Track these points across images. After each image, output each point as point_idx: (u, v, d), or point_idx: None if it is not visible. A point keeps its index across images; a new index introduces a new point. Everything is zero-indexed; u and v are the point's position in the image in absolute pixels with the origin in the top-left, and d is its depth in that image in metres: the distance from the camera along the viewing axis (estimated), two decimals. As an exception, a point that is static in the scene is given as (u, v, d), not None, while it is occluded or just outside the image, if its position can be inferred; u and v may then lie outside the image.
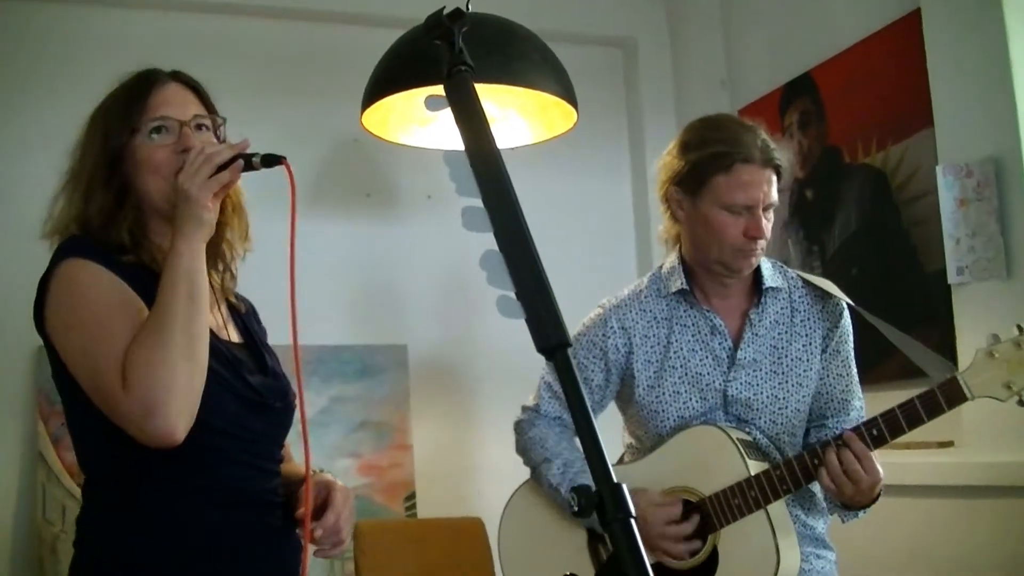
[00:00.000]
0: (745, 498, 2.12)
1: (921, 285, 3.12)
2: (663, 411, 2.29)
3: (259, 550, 1.76)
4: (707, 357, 2.27)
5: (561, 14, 4.14)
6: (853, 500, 2.10)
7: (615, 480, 0.99)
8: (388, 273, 3.98)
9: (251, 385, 1.78)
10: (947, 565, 2.90)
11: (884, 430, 2.05)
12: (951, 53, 3.01)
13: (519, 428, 2.46)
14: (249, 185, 1.90)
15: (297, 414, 1.83)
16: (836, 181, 3.51)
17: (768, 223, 2.20)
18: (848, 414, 2.28)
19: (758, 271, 2.29)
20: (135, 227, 1.77)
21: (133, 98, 1.79)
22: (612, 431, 2.68)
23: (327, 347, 3.81)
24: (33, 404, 3.44)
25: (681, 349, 2.29)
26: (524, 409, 2.48)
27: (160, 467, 1.68)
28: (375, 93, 2.52)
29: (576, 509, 0.98)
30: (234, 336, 1.88)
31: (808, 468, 2.11)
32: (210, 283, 1.84)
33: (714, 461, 2.17)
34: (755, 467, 2.14)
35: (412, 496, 3.85)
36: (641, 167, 4.37)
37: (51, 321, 1.71)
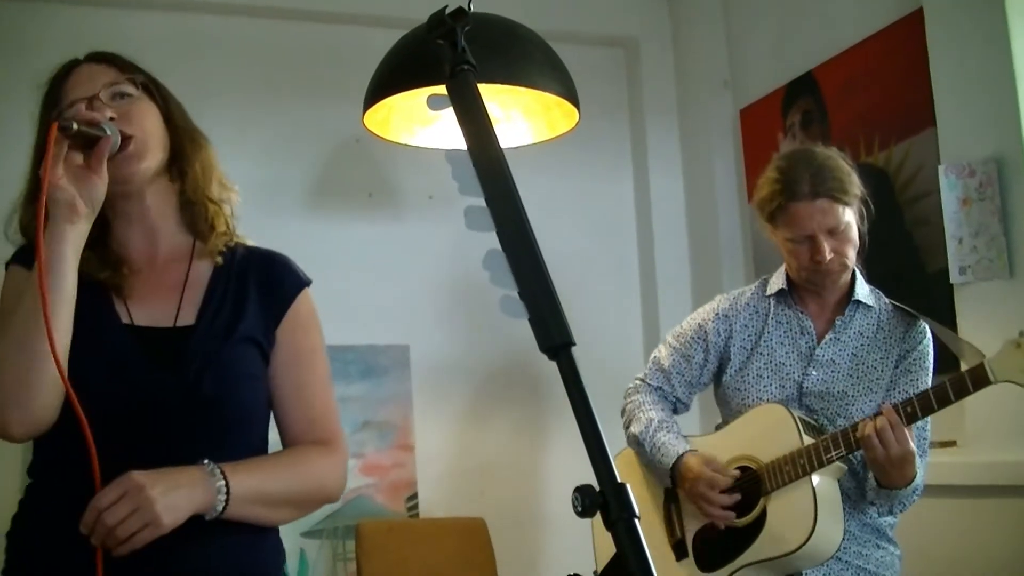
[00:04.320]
0: (794, 465, 2.36)
1: (924, 285, 3.12)
2: (745, 391, 2.56)
3: (129, 563, 1.54)
4: (792, 351, 2.54)
5: (564, 14, 4.14)
6: (885, 472, 2.26)
7: (619, 480, 0.99)
8: (390, 273, 3.97)
9: (134, 383, 1.63)
10: (949, 564, 2.90)
11: (917, 407, 2.23)
12: (953, 52, 3.01)
13: (625, 395, 2.74)
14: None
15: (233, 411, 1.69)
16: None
17: (843, 242, 2.41)
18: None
19: (852, 286, 2.51)
20: None
21: (50, 94, 1.77)
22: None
23: (329, 347, 3.78)
24: (35, 404, 3.43)
25: (770, 341, 2.56)
26: (634, 380, 2.75)
27: (39, 472, 1.71)
28: (377, 93, 2.52)
29: (580, 510, 0.98)
30: (186, 318, 1.73)
31: (849, 438, 2.30)
32: (187, 260, 1.78)
33: (775, 434, 2.43)
34: (808, 441, 2.37)
35: (414, 496, 3.85)
36: (643, 166, 4.38)
37: None
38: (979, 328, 2.79)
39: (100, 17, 3.73)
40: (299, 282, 1.87)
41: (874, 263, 3.05)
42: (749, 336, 2.60)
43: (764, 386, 2.54)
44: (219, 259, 1.79)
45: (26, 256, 1.69)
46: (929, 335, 2.48)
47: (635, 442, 2.62)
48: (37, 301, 1.52)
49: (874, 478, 2.34)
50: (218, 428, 1.69)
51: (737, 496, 2.43)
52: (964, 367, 2.24)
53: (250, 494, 1.64)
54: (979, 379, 2.15)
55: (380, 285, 3.93)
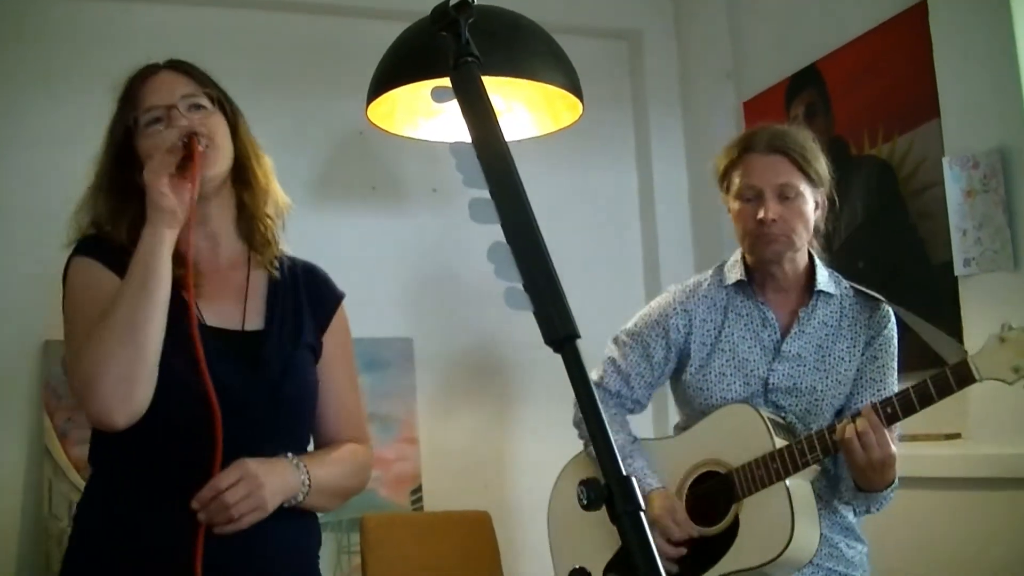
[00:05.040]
0: (768, 470, 2.25)
1: (928, 277, 3.11)
2: (707, 390, 2.43)
3: (192, 553, 1.65)
4: (755, 346, 2.42)
5: (567, 6, 4.13)
6: (865, 476, 2.17)
7: (624, 473, 0.99)
8: (394, 266, 3.97)
9: (218, 381, 1.70)
10: (954, 557, 2.89)
11: (897, 408, 2.13)
12: (957, 44, 3.00)
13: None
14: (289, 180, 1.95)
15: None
16: (842, 173, 3.44)
17: (792, 212, 2.33)
18: None
19: (812, 275, 2.40)
20: (140, 223, 1.76)
21: (127, 96, 1.84)
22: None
23: (333, 341, 3.80)
24: (39, 399, 3.43)
25: (732, 335, 2.44)
26: None
27: (116, 463, 1.77)
28: (381, 86, 2.52)
29: (585, 503, 0.98)
30: (254, 323, 1.85)
31: (826, 441, 2.21)
32: (245, 267, 1.88)
33: (744, 436, 2.31)
34: (780, 443, 2.26)
35: (419, 489, 3.85)
36: (646, 159, 4.37)
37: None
38: (984, 320, 2.78)
39: (99, 10, 3.72)
40: (338, 295, 2.04)
41: (878, 255, 3.06)
42: (709, 331, 2.46)
43: (728, 384, 2.41)
44: (275, 272, 1.92)
45: (94, 248, 1.79)
46: (893, 319, 2.40)
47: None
48: (138, 296, 1.65)
49: (851, 479, 2.24)
50: (288, 425, 1.84)
51: (683, 551, 2.32)
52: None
53: (323, 485, 1.81)
54: (963, 377, 2.06)
55: (383, 278, 3.92)
